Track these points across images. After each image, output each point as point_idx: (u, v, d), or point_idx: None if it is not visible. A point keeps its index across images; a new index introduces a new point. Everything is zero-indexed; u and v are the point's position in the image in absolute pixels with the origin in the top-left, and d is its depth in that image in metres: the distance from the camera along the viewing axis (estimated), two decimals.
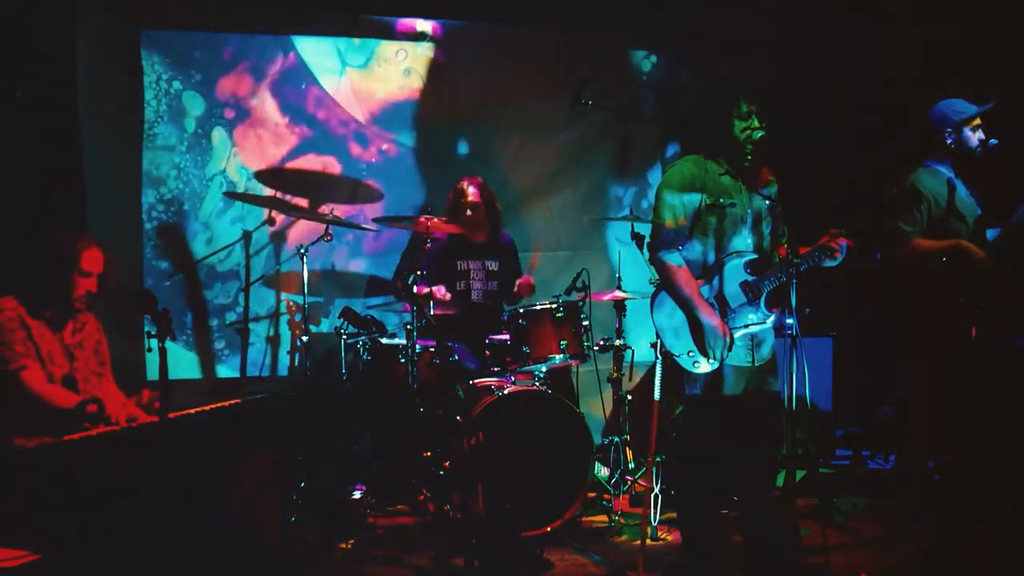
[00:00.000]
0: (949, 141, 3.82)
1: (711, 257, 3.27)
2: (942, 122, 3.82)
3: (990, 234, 3.84)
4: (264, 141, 5.29)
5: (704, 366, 3.22)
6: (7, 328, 3.28)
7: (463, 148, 5.54)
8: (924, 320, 3.77)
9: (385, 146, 5.46)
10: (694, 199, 3.24)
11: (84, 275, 3.39)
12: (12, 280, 3.42)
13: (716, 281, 3.25)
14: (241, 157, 5.27)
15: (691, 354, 3.23)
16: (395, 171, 5.47)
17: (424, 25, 5.47)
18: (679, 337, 3.26)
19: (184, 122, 5.19)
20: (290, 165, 5.32)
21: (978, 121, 3.81)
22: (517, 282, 4.86)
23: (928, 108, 3.89)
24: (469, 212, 4.78)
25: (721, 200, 3.24)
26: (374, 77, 5.44)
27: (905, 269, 3.79)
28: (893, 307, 3.91)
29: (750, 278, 3.22)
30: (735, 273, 3.24)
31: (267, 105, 5.30)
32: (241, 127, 5.27)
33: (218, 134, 5.24)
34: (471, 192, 4.81)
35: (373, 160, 5.45)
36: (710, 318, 3.18)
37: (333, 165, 5.39)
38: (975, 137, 3.81)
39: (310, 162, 5.35)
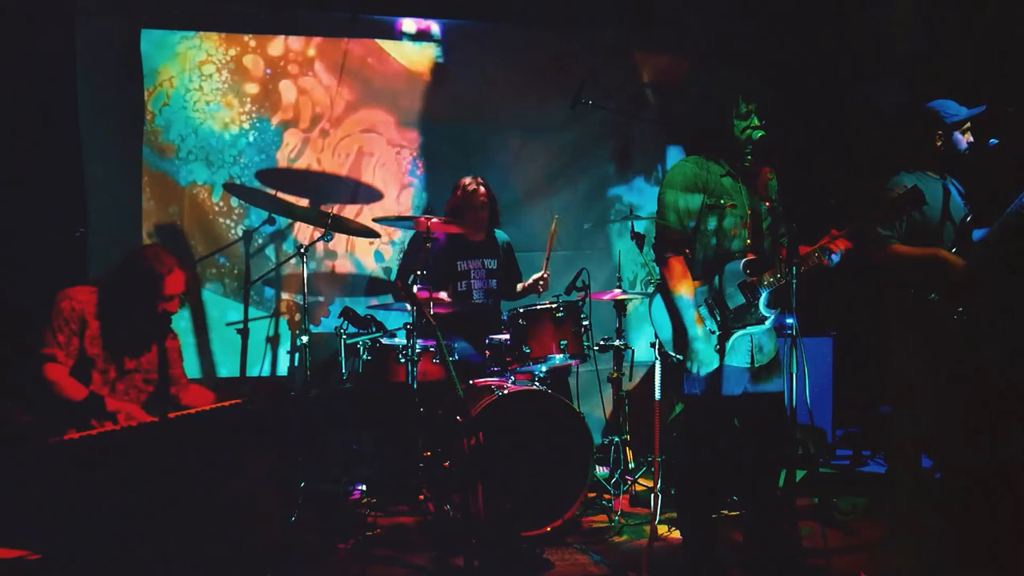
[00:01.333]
0: (939, 143, 3.79)
1: (711, 258, 3.26)
2: (934, 124, 3.80)
3: (976, 234, 3.81)
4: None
5: (702, 367, 3.21)
6: (64, 317, 3.35)
7: (463, 148, 5.55)
8: (903, 324, 3.77)
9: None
10: (696, 199, 3.24)
11: (166, 299, 3.48)
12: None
13: (716, 282, 3.25)
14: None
15: (688, 355, 3.23)
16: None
17: (425, 25, 5.48)
18: (677, 339, 3.25)
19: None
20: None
21: (968, 124, 3.79)
22: (520, 286, 4.87)
23: (916, 109, 3.88)
24: (479, 211, 4.79)
25: (721, 201, 3.24)
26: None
27: (883, 274, 3.78)
28: (879, 310, 3.91)
29: (749, 279, 3.22)
30: (734, 274, 3.23)
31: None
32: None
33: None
34: (481, 191, 4.82)
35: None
36: (697, 336, 3.18)
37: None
38: (964, 140, 3.78)
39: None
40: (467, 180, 4.86)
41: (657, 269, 3.35)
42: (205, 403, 3.56)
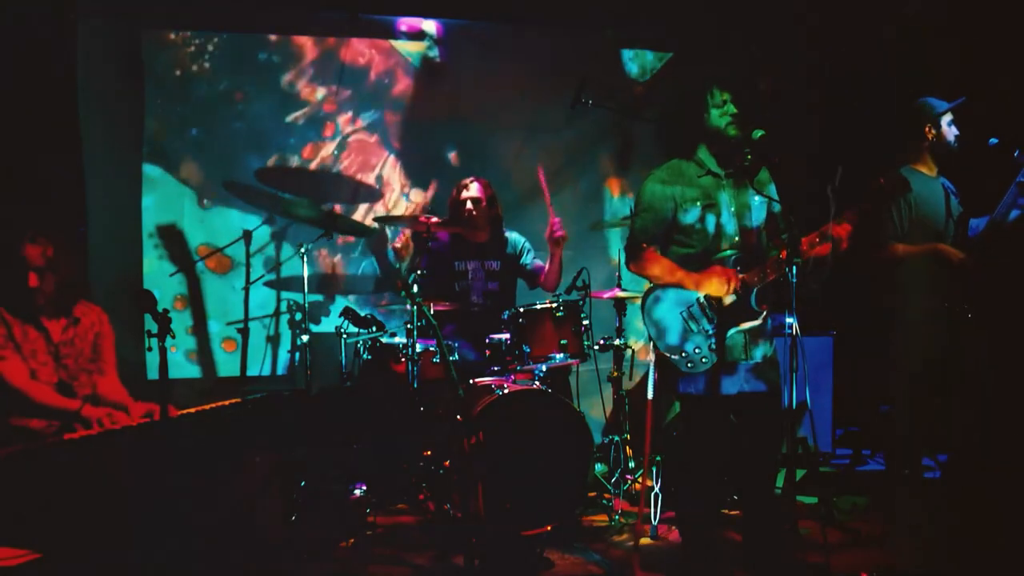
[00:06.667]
0: (931, 136, 3.85)
1: (700, 257, 3.26)
2: (922, 118, 3.86)
3: (973, 224, 3.86)
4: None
5: (698, 367, 3.21)
6: None
7: (463, 148, 5.54)
8: (906, 321, 3.79)
9: None
10: (668, 204, 3.27)
11: (34, 271, 3.40)
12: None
13: None
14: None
15: (684, 355, 3.22)
16: None
17: (424, 25, 5.48)
18: (672, 340, 3.24)
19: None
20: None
21: (951, 116, 3.86)
22: (546, 269, 4.84)
23: (906, 108, 3.92)
24: (471, 210, 4.78)
25: (700, 202, 3.25)
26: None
27: (887, 273, 3.82)
28: (877, 308, 3.93)
29: (739, 275, 3.21)
30: None
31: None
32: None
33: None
34: (472, 190, 4.81)
35: None
36: (704, 280, 3.19)
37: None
38: (951, 132, 3.86)
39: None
40: (467, 180, 4.85)
41: (632, 271, 3.36)
42: (119, 397, 3.53)
